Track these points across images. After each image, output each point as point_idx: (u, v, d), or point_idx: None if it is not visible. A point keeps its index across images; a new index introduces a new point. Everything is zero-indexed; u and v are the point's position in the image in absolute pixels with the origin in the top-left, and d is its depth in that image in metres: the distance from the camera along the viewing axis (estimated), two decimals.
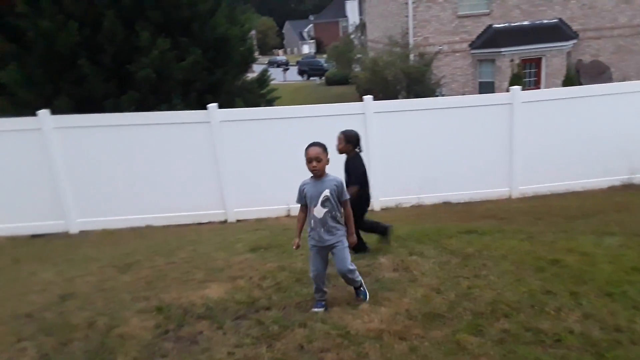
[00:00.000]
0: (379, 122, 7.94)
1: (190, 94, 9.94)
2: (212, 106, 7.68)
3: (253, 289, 4.14)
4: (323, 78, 37.39)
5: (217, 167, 7.78)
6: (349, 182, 4.47)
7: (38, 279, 4.97)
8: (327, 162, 3.54)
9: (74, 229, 7.62)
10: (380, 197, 8.06)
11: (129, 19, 9.21)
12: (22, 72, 8.72)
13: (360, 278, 3.79)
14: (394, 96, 17.52)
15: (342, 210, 3.62)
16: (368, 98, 8.00)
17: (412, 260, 4.60)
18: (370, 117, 7.91)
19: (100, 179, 7.65)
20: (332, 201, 3.52)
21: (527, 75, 18.78)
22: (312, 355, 3.06)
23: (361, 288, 3.82)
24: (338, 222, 3.59)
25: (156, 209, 7.71)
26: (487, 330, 3.25)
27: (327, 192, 3.50)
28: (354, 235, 3.72)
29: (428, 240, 5.24)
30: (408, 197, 8.25)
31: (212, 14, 10.52)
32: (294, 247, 3.62)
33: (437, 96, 17.20)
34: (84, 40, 8.87)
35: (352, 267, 3.68)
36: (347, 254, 3.63)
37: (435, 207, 8.06)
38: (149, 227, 7.57)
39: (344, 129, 4.78)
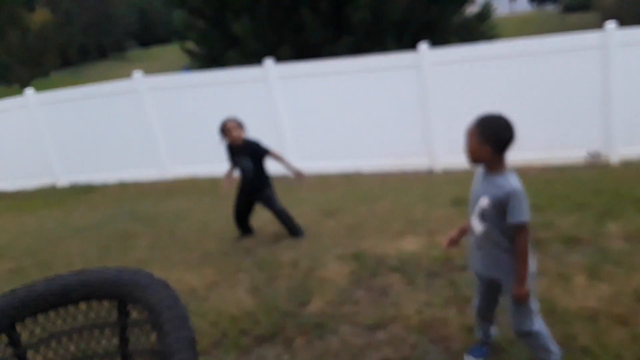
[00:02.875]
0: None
1: (404, 36, 9.72)
2: (423, 46, 7.30)
3: None
4: (559, 5, 32.78)
5: (428, 112, 7.47)
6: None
7: (257, 217, 5.57)
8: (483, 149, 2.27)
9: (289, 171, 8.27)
10: None
11: None
12: (252, 23, 9.59)
13: (553, 348, 2.39)
14: None
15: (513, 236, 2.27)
16: (611, 25, 6.63)
17: None
18: (613, 50, 6.56)
19: (314, 125, 8.06)
20: (493, 216, 2.28)
21: None
22: (503, 326, 2.76)
23: None
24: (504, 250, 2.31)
25: (366, 155, 7.83)
26: None
27: (487, 200, 2.28)
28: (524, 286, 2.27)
29: None
30: None
31: None
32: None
33: None
34: None
35: (535, 328, 2.36)
36: (525, 308, 2.34)
37: None
38: (358, 174, 7.81)
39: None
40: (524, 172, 2.43)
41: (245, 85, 8.19)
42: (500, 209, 2.24)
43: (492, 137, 2.24)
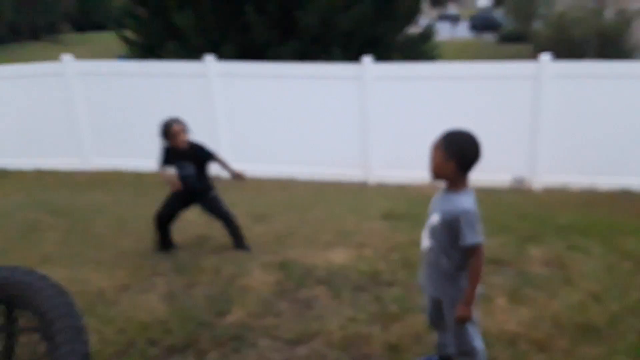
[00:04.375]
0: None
1: (351, 47, 9.74)
2: (367, 59, 7.32)
3: (378, 260, 3.88)
4: (496, 35, 34.48)
5: (367, 125, 7.48)
6: None
7: (182, 217, 5.28)
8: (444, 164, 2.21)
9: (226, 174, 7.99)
10: None
11: None
12: (195, 17, 9.25)
13: None
14: (580, 57, 15.33)
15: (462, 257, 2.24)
16: (545, 57, 6.92)
17: (570, 256, 3.90)
18: (545, 81, 6.86)
19: (252, 127, 7.86)
20: (440, 234, 2.25)
21: None
22: (429, 347, 2.71)
23: None
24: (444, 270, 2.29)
25: (302, 162, 7.71)
26: None
27: (438, 217, 2.24)
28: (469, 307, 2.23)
29: (595, 234, 4.43)
30: None
31: None
32: None
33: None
34: None
35: (475, 344, 2.34)
36: (465, 328, 2.31)
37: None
38: (292, 180, 7.67)
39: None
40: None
41: (183, 79, 7.85)
42: (449, 228, 2.20)
43: (457, 154, 2.18)
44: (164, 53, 9.21)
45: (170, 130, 4.00)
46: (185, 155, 4.07)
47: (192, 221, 5.11)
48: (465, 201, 2.19)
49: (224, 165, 4.30)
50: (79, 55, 8.54)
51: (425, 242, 2.34)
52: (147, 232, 4.76)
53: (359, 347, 2.72)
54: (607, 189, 6.83)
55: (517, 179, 7.28)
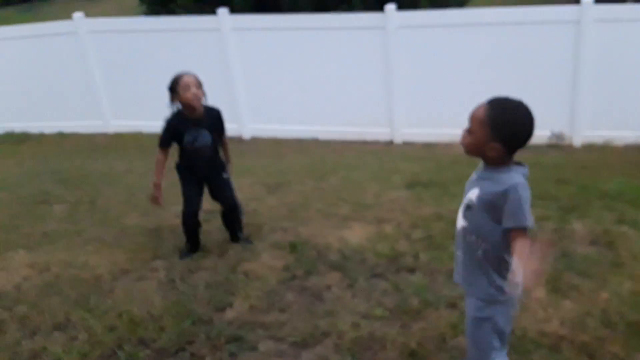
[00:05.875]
0: None
1: None
2: (389, 8, 6.67)
3: (399, 239, 3.47)
4: None
5: (390, 79, 6.93)
6: None
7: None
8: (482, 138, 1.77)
9: (246, 135, 7.64)
10: None
11: None
12: None
13: None
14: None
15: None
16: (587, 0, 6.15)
17: (620, 232, 3.41)
18: (587, 26, 6.12)
19: (270, 84, 7.40)
20: (478, 213, 1.85)
21: None
22: (453, 354, 2.33)
23: None
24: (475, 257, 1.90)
25: (323, 121, 7.26)
26: None
27: (478, 192, 1.83)
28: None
29: None
30: None
31: None
32: None
33: None
34: None
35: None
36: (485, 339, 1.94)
37: None
38: (314, 140, 7.25)
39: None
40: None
41: (196, 35, 7.38)
42: (490, 207, 1.78)
43: (507, 135, 1.73)
44: (176, 7, 8.68)
45: (179, 83, 3.18)
46: (199, 120, 3.29)
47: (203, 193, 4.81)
48: (517, 178, 1.74)
49: (226, 151, 3.59)
50: (106, 12, 8.15)
51: (460, 221, 1.92)
52: (154, 206, 4.48)
53: (373, 354, 2.36)
54: None
55: (557, 134, 6.69)
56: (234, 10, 7.34)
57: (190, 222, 3.46)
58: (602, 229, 3.46)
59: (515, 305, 1.93)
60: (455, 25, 6.62)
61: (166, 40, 7.49)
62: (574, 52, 6.29)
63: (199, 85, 3.24)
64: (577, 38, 6.21)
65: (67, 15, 7.85)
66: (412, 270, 3.07)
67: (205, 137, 3.32)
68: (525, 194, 1.72)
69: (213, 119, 3.37)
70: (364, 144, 7.00)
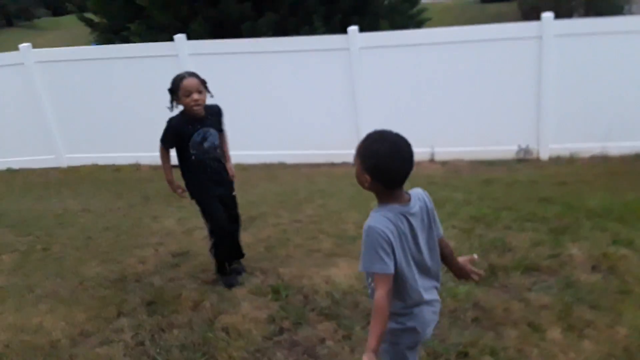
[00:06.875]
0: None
1: (334, 16, 8.88)
2: (352, 30, 6.53)
3: None
4: None
5: (356, 100, 6.75)
6: None
7: (159, 227, 4.57)
8: None
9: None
10: None
11: None
12: None
13: None
14: (568, 15, 14.49)
15: None
16: (547, 16, 6.19)
17: (619, 254, 3.25)
18: (548, 42, 6.13)
19: (236, 110, 7.06)
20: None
21: None
22: None
23: None
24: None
25: (290, 145, 7.02)
26: None
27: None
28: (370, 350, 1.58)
29: (635, 220, 3.80)
30: None
31: None
32: None
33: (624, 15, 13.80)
34: None
35: None
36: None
37: None
38: (281, 165, 6.96)
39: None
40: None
41: (153, 61, 6.97)
42: None
43: (369, 166, 1.66)
44: (129, 35, 8.29)
45: (180, 87, 2.97)
46: (203, 120, 3.11)
47: (170, 231, 4.43)
48: (374, 218, 1.67)
49: (226, 147, 3.38)
50: (55, 41, 7.68)
51: None
52: (114, 249, 4.08)
53: None
54: (619, 153, 6.25)
55: (524, 149, 6.70)
56: (191, 37, 7.04)
57: (227, 229, 3.25)
58: (600, 252, 3.29)
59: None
60: (421, 45, 6.53)
61: (121, 68, 7.12)
62: (536, 68, 6.31)
63: (201, 88, 3.07)
64: (540, 53, 6.23)
65: (14, 47, 7.38)
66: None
67: (213, 136, 3.17)
68: (372, 238, 1.63)
69: (215, 116, 3.24)
70: (332, 166, 6.80)
